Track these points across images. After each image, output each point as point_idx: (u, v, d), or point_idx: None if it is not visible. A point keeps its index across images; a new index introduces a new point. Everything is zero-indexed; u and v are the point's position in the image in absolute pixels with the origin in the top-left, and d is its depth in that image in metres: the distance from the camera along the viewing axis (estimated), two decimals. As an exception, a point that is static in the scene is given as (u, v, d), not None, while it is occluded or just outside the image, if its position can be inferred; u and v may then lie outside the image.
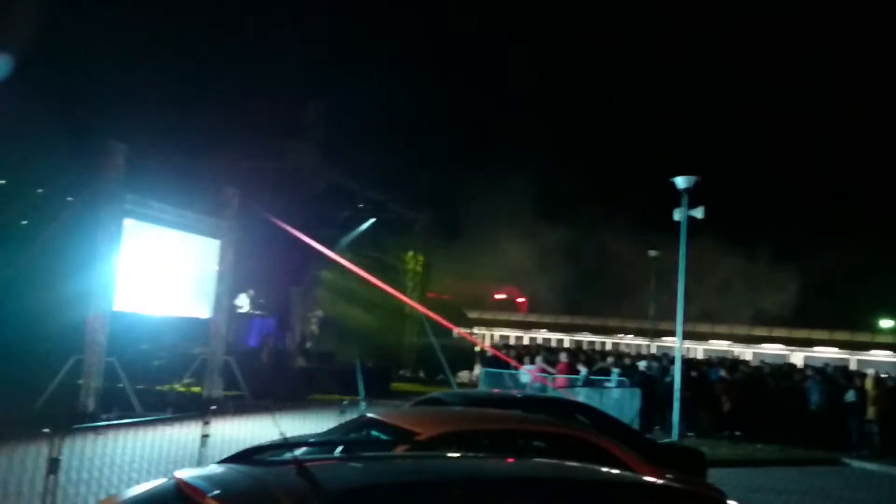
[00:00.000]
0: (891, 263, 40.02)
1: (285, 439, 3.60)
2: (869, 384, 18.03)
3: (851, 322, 40.23)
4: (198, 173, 20.03)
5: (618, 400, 17.85)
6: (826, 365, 24.76)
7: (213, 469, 3.48)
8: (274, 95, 22.11)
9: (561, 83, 50.26)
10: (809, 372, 21.25)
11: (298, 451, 4.14)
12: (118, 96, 19.65)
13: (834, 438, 18.07)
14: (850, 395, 18.06)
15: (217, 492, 3.00)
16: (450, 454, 3.89)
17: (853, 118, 47.95)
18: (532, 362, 21.57)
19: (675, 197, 17.17)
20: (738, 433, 18.74)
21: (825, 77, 52.45)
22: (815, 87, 52.46)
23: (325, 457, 4.21)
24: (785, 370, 24.00)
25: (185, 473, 3.32)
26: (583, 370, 20.82)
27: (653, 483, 3.89)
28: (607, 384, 19.07)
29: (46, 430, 7.03)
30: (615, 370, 20.73)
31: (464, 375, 27.93)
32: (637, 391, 18.31)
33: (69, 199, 18.63)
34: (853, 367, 30.16)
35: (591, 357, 25.09)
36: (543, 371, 20.39)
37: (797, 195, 46.89)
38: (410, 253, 30.15)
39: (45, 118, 17.91)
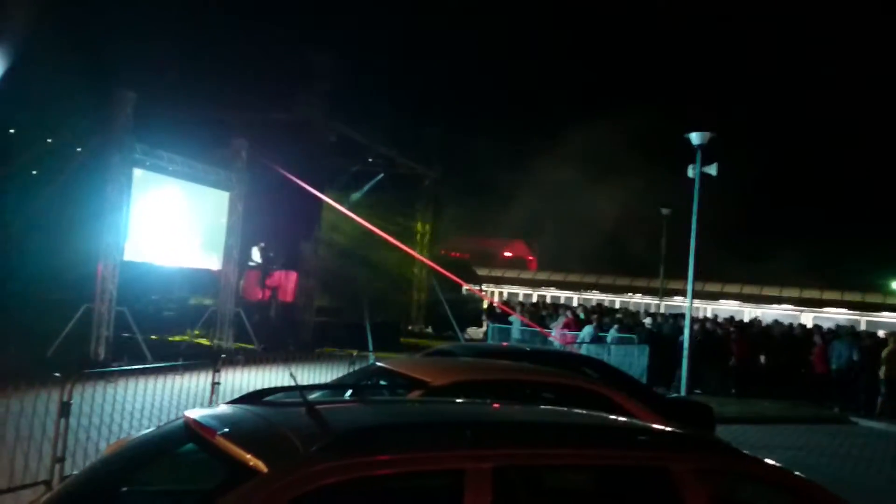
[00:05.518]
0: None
1: (296, 383, 3.57)
2: (892, 344, 17.83)
3: (862, 283, 40.11)
4: (207, 124, 19.92)
5: (625, 356, 17.88)
6: (836, 325, 24.66)
7: (223, 409, 3.47)
8: (285, 46, 21.84)
9: (577, 40, 49.64)
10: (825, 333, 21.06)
11: (308, 397, 4.13)
12: (127, 45, 19.46)
13: (844, 398, 18.12)
14: (855, 355, 18.02)
15: (226, 430, 2.98)
16: (458, 399, 3.87)
17: (872, 80, 47.28)
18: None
19: (690, 154, 17.10)
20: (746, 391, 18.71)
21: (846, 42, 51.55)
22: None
23: (334, 399, 4.20)
24: (804, 331, 23.82)
25: (195, 413, 3.31)
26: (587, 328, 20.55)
27: (662, 429, 3.88)
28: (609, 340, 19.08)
29: (57, 374, 7.10)
30: (614, 327, 20.61)
31: (472, 331, 27.99)
32: (645, 348, 18.33)
33: (78, 148, 18.59)
34: (863, 328, 30.10)
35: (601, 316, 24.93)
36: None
37: (810, 157, 46.53)
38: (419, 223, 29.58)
39: (54, 67, 17.79)
